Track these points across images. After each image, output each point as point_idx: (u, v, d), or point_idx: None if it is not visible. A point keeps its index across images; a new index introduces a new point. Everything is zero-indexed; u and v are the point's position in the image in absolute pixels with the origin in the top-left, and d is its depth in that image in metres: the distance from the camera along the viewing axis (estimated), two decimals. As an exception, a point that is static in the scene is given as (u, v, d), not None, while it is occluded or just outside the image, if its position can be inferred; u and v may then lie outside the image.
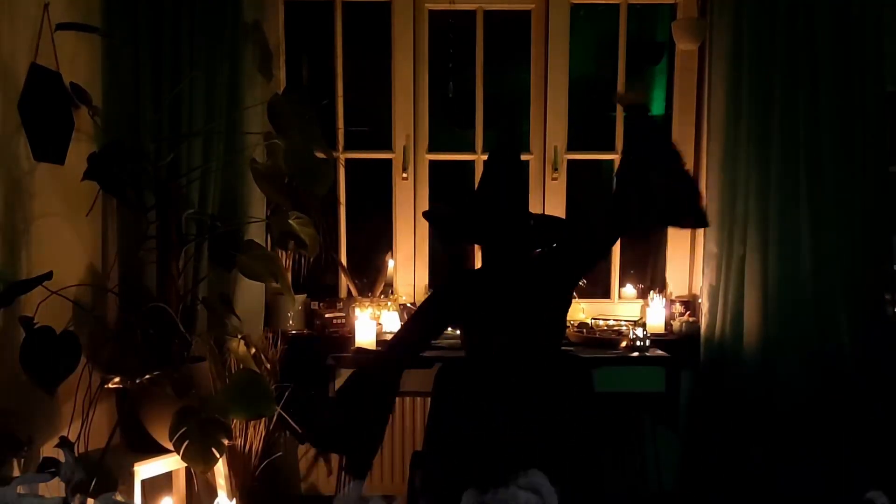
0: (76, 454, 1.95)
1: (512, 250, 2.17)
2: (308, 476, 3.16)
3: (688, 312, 3.12)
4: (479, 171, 3.25)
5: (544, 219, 2.27)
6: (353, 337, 2.79)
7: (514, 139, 2.28)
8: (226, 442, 2.14)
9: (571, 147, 3.22)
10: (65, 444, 1.90)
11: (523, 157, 3.23)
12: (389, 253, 3.27)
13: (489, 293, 2.17)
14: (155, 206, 2.40)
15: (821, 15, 2.77)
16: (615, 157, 3.24)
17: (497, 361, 2.16)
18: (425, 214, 2.36)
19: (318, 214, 2.83)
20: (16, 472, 1.91)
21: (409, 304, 3.17)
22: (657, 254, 3.47)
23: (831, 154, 2.80)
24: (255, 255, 2.46)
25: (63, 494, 1.89)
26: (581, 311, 3.19)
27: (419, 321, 2.17)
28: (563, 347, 2.74)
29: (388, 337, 2.95)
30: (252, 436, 2.81)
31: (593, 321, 3.14)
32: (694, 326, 3.01)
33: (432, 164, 3.25)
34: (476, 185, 2.26)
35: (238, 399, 2.21)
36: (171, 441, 2.08)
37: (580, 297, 3.18)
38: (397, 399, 3.08)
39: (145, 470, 2.21)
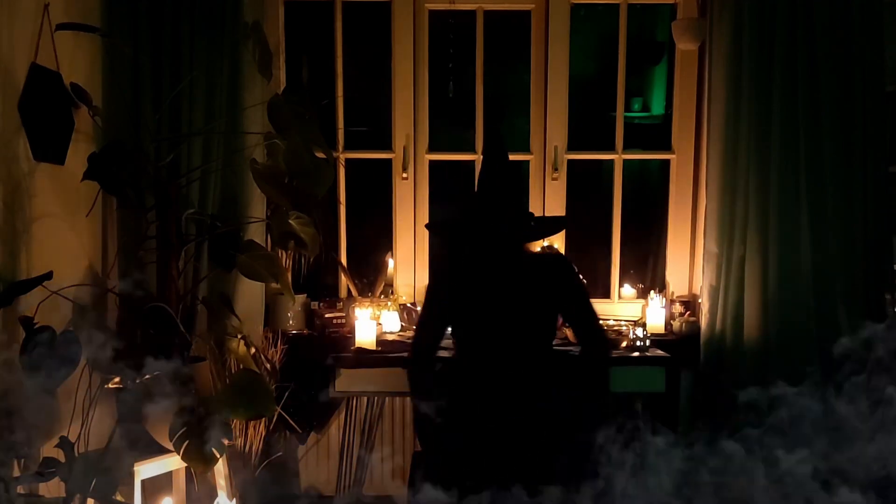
0: (76, 454, 1.96)
1: (509, 249, 2.19)
2: (308, 476, 3.15)
3: (688, 312, 3.12)
4: (479, 171, 3.25)
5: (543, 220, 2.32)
6: (353, 337, 2.79)
7: (501, 141, 2.32)
8: (226, 442, 2.14)
9: (571, 147, 3.22)
10: (65, 444, 1.90)
11: (524, 158, 3.24)
12: (389, 253, 3.27)
13: (478, 290, 2.19)
14: (155, 206, 2.40)
15: (821, 15, 2.76)
16: (615, 157, 3.24)
17: (485, 361, 2.18)
18: (428, 227, 2.54)
19: (319, 214, 2.83)
20: (16, 472, 1.91)
21: (409, 304, 3.17)
22: (657, 254, 3.47)
23: (831, 154, 2.79)
24: (255, 255, 2.46)
25: (63, 494, 1.89)
26: (581, 311, 3.19)
27: (427, 314, 2.28)
28: (562, 347, 2.75)
29: (388, 337, 2.97)
30: (252, 436, 2.81)
31: (593, 321, 3.13)
32: (694, 326, 3.01)
33: (432, 164, 3.25)
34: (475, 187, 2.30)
35: (238, 399, 2.21)
36: (171, 441, 2.08)
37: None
38: (397, 399, 3.10)
39: (145, 470, 2.21)
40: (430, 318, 2.27)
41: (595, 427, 2.11)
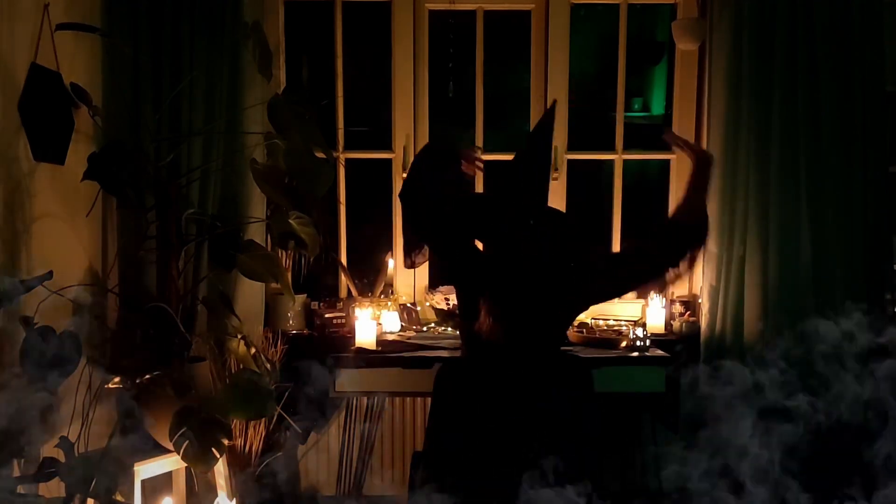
0: (76, 454, 1.95)
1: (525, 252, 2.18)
2: (308, 476, 3.15)
3: (688, 312, 3.12)
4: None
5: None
6: (353, 337, 2.79)
7: (548, 141, 2.33)
8: (226, 442, 2.14)
9: (571, 147, 3.22)
10: (65, 444, 1.90)
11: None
12: (389, 253, 3.27)
13: (499, 281, 2.18)
14: (155, 206, 2.40)
15: (821, 15, 2.76)
16: (615, 157, 3.24)
17: (495, 356, 2.16)
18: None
19: (318, 214, 2.83)
20: (16, 472, 1.91)
21: (409, 304, 3.17)
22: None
23: (831, 154, 2.79)
24: (255, 255, 2.46)
25: (63, 494, 1.89)
26: (581, 311, 3.19)
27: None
28: (562, 348, 2.74)
29: (388, 337, 2.96)
30: (252, 436, 2.81)
31: (593, 321, 3.13)
32: (694, 326, 3.01)
33: (432, 164, 3.24)
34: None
35: (238, 399, 2.21)
36: (171, 441, 2.08)
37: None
38: (397, 399, 3.10)
39: (145, 470, 2.21)
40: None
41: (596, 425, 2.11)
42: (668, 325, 3.09)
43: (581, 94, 3.32)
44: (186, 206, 2.56)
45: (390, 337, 2.97)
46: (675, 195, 3.24)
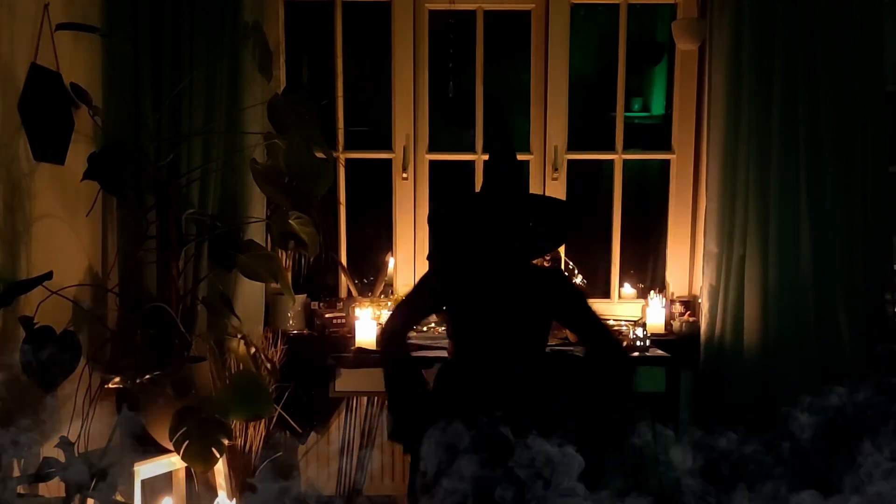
0: (76, 454, 1.95)
1: (511, 263, 2.18)
2: (308, 476, 3.15)
3: (688, 312, 3.12)
4: (479, 170, 3.25)
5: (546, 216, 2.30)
6: (353, 337, 2.79)
7: (509, 139, 2.32)
8: (226, 442, 2.14)
9: (571, 147, 3.22)
10: (65, 444, 1.90)
11: (523, 158, 3.24)
12: (389, 253, 3.27)
13: (475, 293, 2.18)
14: (155, 206, 2.40)
15: (821, 15, 2.76)
16: (615, 157, 3.24)
17: (478, 363, 2.17)
18: (430, 221, 2.46)
19: (318, 214, 2.83)
20: (16, 472, 1.91)
21: (409, 304, 3.17)
22: (657, 254, 3.47)
23: (831, 154, 2.79)
24: (255, 255, 2.46)
25: (63, 494, 1.89)
26: (581, 311, 3.19)
27: (413, 300, 2.31)
28: (562, 347, 2.75)
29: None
30: (252, 436, 2.81)
31: (593, 321, 3.13)
32: (694, 326, 3.01)
33: (432, 164, 3.25)
34: (479, 187, 2.30)
35: (238, 399, 2.21)
36: (171, 441, 2.08)
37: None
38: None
39: (145, 470, 2.21)
40: (412, 305, 2.29)
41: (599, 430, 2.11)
42: (668, 325, 3.09)
43: (581, 94, 3.31)
44: (186, 206, 2.56)
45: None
46: (675, 195, 3.24)
